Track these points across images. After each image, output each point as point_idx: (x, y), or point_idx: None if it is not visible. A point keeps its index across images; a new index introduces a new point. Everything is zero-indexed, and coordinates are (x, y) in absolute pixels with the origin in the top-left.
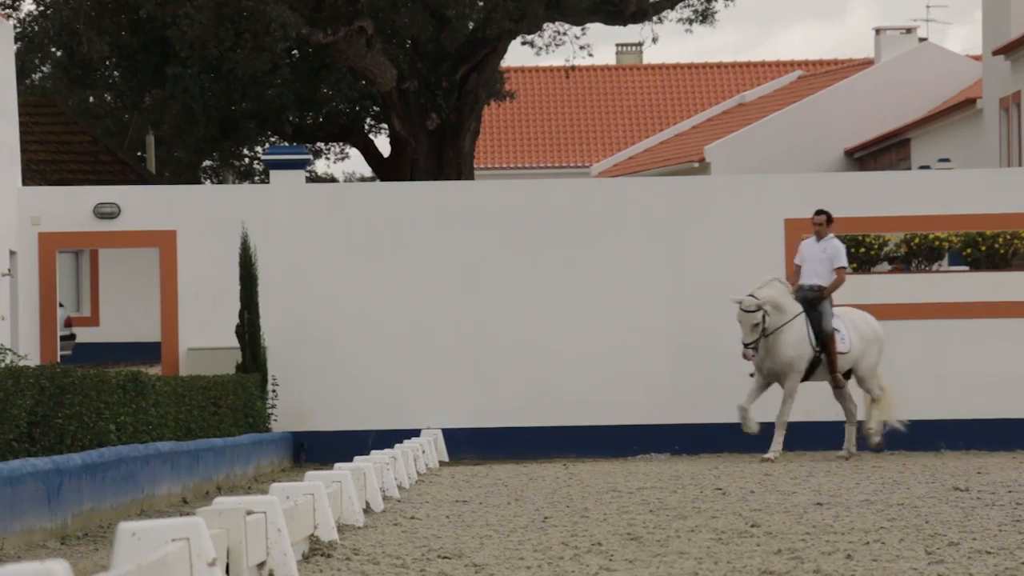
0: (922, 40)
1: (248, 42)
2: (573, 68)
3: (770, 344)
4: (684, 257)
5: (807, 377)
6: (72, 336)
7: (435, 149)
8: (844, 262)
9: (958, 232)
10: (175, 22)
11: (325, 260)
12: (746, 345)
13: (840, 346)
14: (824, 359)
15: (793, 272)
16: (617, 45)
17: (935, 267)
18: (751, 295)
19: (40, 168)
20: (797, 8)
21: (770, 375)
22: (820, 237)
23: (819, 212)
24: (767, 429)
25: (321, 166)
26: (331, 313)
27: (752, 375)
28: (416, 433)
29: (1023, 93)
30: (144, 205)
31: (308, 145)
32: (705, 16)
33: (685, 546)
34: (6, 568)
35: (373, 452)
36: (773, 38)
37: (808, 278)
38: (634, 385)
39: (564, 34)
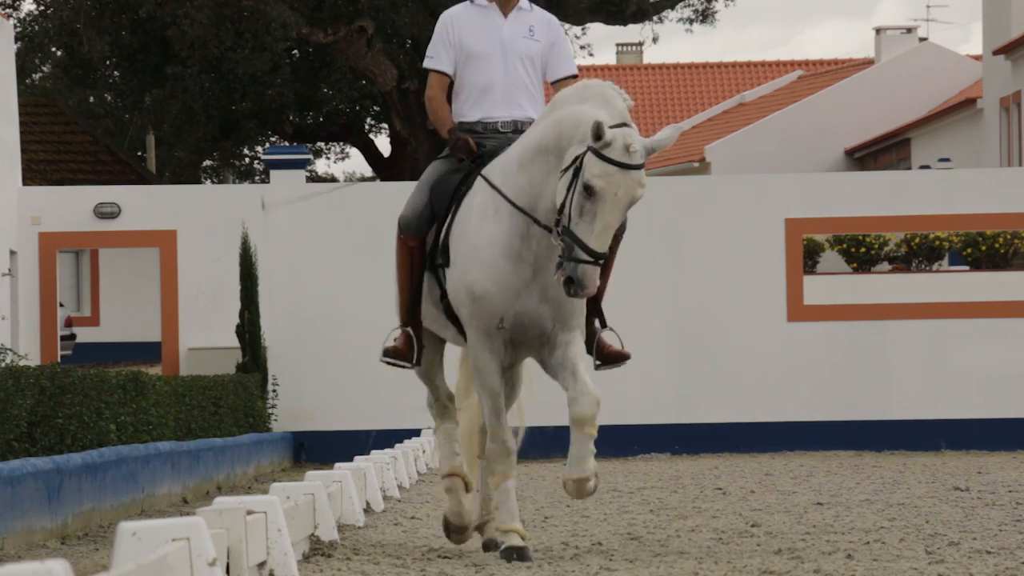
0: (922, 40)
1: (248, 42)
2: None
3: (547, 268)
4: (684, 257)
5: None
6: (72, 336)
7: (435, 149)
8: (574, 66)
9: (958, 232)
10: (175, 22)
11: (325, 260)
12: (597, 257)
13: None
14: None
15: (437, 88)
16: (617, 45)
17: (935, 267)
18: (627, 126)
19: (40, 168)
20: (825, 7)
21: (538, 335)
22: (510, 6)
23: None
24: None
25: (321, 166)
26: (331, 312)
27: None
28: (416, 433)
29: (1023, 93)
30: (144, 205)
31: (308, 145)
32: (705, 16)
33: (685, 546)
34: (6, 568)
35: (373, 452)
36: (800, 35)
37: (508, 108)
38: (634, 385)
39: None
